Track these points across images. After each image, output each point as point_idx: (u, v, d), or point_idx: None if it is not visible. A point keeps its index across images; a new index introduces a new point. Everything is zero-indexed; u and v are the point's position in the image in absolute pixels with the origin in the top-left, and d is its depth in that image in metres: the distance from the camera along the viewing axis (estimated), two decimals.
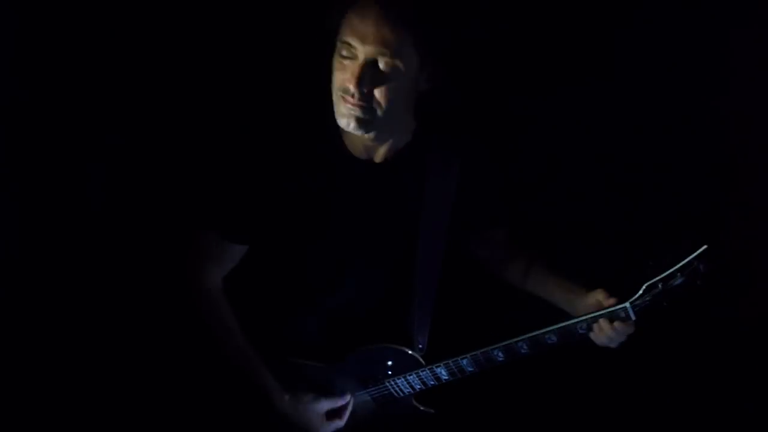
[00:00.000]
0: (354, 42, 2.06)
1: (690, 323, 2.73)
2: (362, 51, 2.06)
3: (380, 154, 2.25)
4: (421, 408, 2.38)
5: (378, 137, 2.18)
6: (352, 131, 2.13)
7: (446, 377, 2.31)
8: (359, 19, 2.06)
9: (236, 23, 2.56)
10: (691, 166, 2.76)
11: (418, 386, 2.35)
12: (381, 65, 2.06)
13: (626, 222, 2.78)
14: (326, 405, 2.32)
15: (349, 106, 2.09)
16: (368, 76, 2.06)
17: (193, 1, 2.55)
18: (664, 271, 2.10)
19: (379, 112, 2.10)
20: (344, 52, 2.08)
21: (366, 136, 2.15)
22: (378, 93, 2.08)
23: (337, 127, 2.17)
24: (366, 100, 2.08)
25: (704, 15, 2.66)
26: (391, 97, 2.08)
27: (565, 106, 2.76)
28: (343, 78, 2.08)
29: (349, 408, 2.35)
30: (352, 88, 2.06)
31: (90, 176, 2.65)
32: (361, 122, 2.10)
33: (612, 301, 2.15)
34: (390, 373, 2.34)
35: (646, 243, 2.65)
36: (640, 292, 2.12)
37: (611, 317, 2.14)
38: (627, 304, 2.13)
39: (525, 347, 2.21)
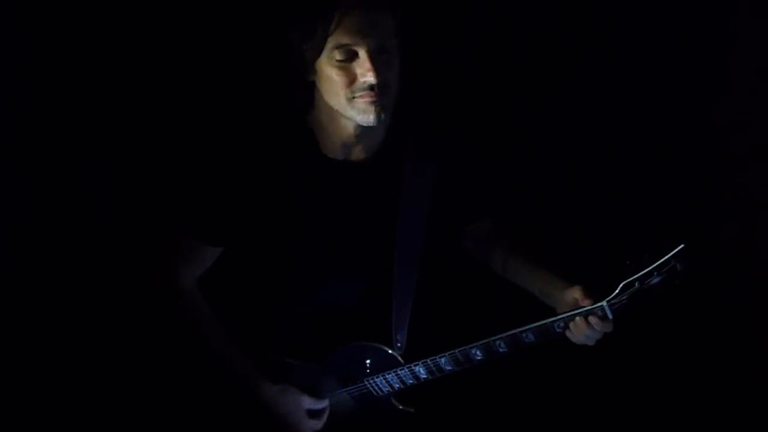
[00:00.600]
0: (352, 40, 2.08)
1: (683, 321, 2.74)
2: (364, 44, 2.07)
3: (357, 152, 2.25)
4: (401, 407, 2.38)
5: (369, 130, 2.18)
6: (373, 123, 2.13)
7: (425, 376, 2.31)
8: (350, 17, 2.07)
9: (211, 27, 2.57)
10: (675, 163, 2.76)
11: (397, 385, 2.34)
12: (387, 49, 2.10)
13: (609, 218, 2.78)
14: (308, 402, 2.32)
15: (371, 99, 2.10)
16: (380, 64, 2.08)
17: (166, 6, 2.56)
18: (642, 270, 2.09)
19: (391, 97, 2.14)
20: (339, 56, 2.09)
21: (374, 127, 2.16)
22: (391, 77, 2.11)
23: (311, 129, 2.20)
24: (386, 87, 2.10)
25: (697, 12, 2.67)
26: (397, 77, 2.13)
27: (547, 102, 2.76)
28: (353, 77, 2.10)
29: (327, 412, 2.36)
30: (373, 80, 2.07)
31: (72, 176, 2.65)
32: (382, 110, 2.12)
33: (588, 300, 2.14)
34: (369, 371, 2.33)
35: (629, 240, 2.63)
36: (617, 290, 2.11)
37: (588, 315, 2.13)
38: (604, 303, 2.12)
39: (503, 346, 2.21)
